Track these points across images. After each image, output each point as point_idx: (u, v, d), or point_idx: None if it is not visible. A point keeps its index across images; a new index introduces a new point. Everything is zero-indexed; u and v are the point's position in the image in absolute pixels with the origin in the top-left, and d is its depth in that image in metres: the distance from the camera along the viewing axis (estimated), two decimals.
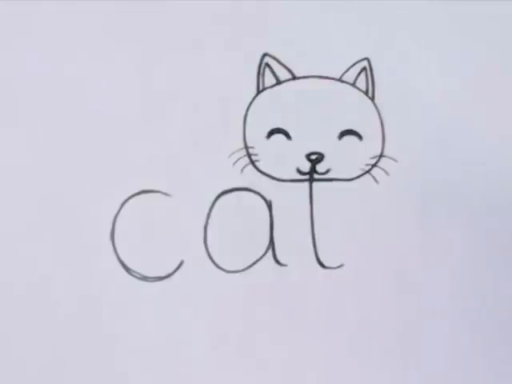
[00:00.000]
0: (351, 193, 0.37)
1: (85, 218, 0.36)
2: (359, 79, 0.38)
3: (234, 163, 0.37)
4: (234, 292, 0.36)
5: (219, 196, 0.37)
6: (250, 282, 0.36)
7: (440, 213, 0.36)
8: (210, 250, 0.36)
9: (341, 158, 0.37)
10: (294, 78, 0.38)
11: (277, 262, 0.36)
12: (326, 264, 0.36)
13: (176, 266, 0.36)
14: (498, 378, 0.36)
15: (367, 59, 0.38)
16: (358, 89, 0.38)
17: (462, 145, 0.37)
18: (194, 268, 0.36)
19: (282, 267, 0.36)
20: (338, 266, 0.36)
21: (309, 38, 0.38)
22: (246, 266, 0.36)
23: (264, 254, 0.36)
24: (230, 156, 0.37)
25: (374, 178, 0.37)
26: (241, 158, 0.37)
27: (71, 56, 0.37)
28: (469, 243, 0.37)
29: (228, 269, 0.36)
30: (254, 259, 0.36)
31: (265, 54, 0.38)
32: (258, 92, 0.38)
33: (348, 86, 0.38)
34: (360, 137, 0.37)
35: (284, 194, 0.37)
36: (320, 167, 0.37)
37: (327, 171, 0.37)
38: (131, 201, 0.36)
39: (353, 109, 0.37)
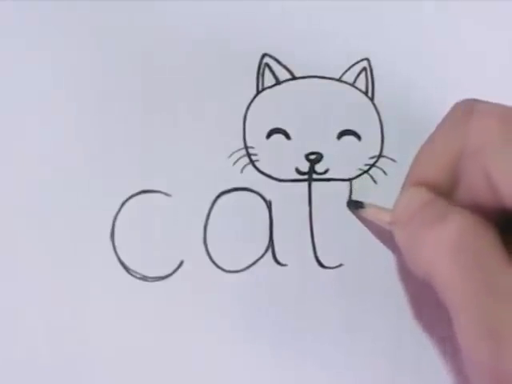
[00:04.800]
0: (349, 193, 0.37)
1: (85, 217, 0.36)
2: (359, 79, 0.38)
3: (234, 163, 0.37)
4: (233, 292, 0.36)
5: (219, 196, 0.37)
6: (249, 282, 0.36)
7: None
8: (209, 250, 0.36)
9: (339, 158, 0.37)
10: (294, 78, 0.38)
11: (276, 261, 0.36)
12: (326, 264, 0.36)
13: (176, 265, 0.36)
14: None
15: (367, 59, 0.38)
16: (357, 89, 0.38)
17: None
18: (194, 268, 0.36)
19: (282, 267, 0.36)
20: (337, 266, 0.36)
21: (309, 38, 0.38)
22: (245, 266, 0.36)
23: (264, 254, 0.36)
24: (230, 156, 0.37)
25: (372, 178, 0.37)
26: (241, 157, 0.37)
27: (75, 54, 0.37)
28: None
29: (228, 269, 0.36)
30: (254, 259, 0.36)
31: (265, 54, 0.38)
32: (258, 92, 0.38)
33: (348, 86, 0.38)
34: (359, 137, 0.37)
35: (283, 193, 0.37)
36: (319, 167, 0.37)
37: (326, 171, 0.37)
38: (131, 201, 0.36)
39: (352, 109, 0.37)
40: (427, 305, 0.32)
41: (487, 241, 0.24)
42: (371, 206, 0.30)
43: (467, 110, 0.27)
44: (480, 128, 0.25)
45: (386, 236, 0.29)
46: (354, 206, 0.31)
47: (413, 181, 0.28)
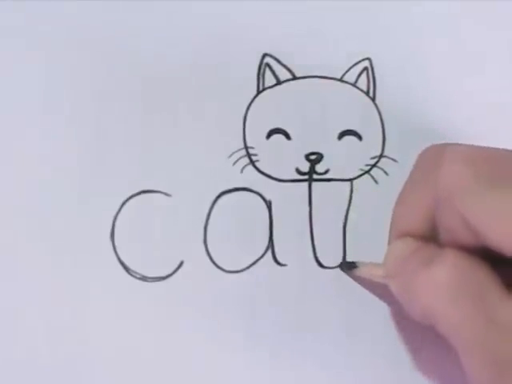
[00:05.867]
0: (350, 193, 0.37)
1: (85, 217, 0.36)
2: (360, 79, 0.38)
3: (234, 163, 0.37)
4: (233, 292, 0.36)
5: (219, 196, 0.37)
6: (249, 282, 0.36)
7: None
8: (209, 250, 0.36)
9: (340, 159, 0.37)
10: (294, 77, 0.38)
11: (276, 262, 0.36)
12: (325, 264, 0.36)
13: (176, 266, 0.36)
14: None
15: (369, 59, 0.38)
16: (358, 89, 0.38)
17: None
18: (194, 268, 0.36)
19: (282, 267, 0.36)
20: (337, 266, 0.36)
21: (309, 38, 0.38)
22: (245, 266, 0.36)
23: (264, 254, 0.36)
24: (230, 156, 0.37)
25: (373, 178, 0.37)
26: (241, 157, 0.37)
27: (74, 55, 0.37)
28: None
29: (228, 269, 0.36)
30: (254, 259, 0.36)
31: (265, 54, 0.38)
32: (258, 92, 0.37)
33: (349, 86, 0.38)
34: (360, 137, 0.37)
35: (283, 194, 0.37)
36: (319, 167, 0.37)
37: (326, 171, 0.37)
38: (131, 201, 0.36)
39: (353, 109, 0.37)
40: (426, 348, 0.32)
41: (483, 275, 0.24)
42: (364, 265, 0.31)
43: (437, 156, 0.26)
44: (451, 172, 0.25)
45: (381, 290, 0.29)
46: (347, 267, 0.31)
47: (396, 234, 0.29)
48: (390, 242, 0.29)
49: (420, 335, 0.29)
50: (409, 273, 0.26)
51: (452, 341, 0.24)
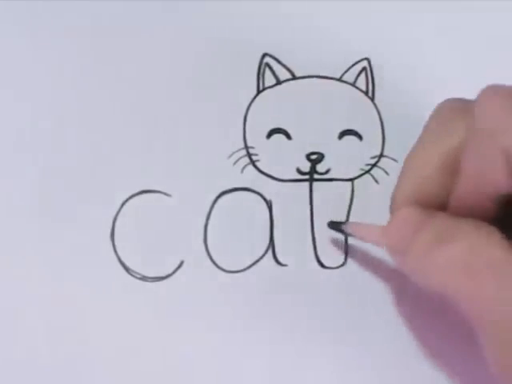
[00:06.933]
0: (351, 193, 0.37)
1: (85, 218, 0.36)
2: (359, 79, 0.38)
3: (234, 163, 0.37)
4: (234, 292, 0.36)
5: (219, 196, 0.37)
6: (250, 282, 0.36)
7: None
8: (210, 250, 0.36)
9: (341, 158, 0.37)
10: (295, 77, 0.38)
11: (277, 261, 0.36)
12: (326, 264, 0.36)
13: (176, 266, 0.36)
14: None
15: (367, 59, 0.38)
16: (358, 89, 0.38)
17: None
18: (193, 268, 0.36)
19: (282, 267, 0.36)
20: (338, 266, 0.36)
21: (309, 38, 0.38)
22: (246, 266, 0.36)
23: (264, 254, 0.36)
24: (230, 156, 0.37)
25: (374, 178, 0.37)
26: (241, 157, 0.37)
27: (75, 54, 0.37)
28: None
29: (228, 269, 0.36)
30: (254, 259, 0.36)
31: (265, 54, 0.38)
32: (258, 92, 0.38)
33: (348, 86, 0.38)
34: (360, 137, 0.37)
35: (284, 193, 0.37)
36: (320, 167, 0.37)
37: (327, 171, 0.37)
38: (131, 201, 0.37)
39: (353, 109, 0.37)
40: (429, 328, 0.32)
41: (499, 247, 0.24)
42: (355, 224, 0.30)
43: (461, 103, 0.26)
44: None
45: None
46: (335, 226, 0.31)
47: (402, 200, 0.28)
48: (393, 210, 0.28)
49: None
50: (420, 250, 0.25)
51: (471, 315, 0.23)
